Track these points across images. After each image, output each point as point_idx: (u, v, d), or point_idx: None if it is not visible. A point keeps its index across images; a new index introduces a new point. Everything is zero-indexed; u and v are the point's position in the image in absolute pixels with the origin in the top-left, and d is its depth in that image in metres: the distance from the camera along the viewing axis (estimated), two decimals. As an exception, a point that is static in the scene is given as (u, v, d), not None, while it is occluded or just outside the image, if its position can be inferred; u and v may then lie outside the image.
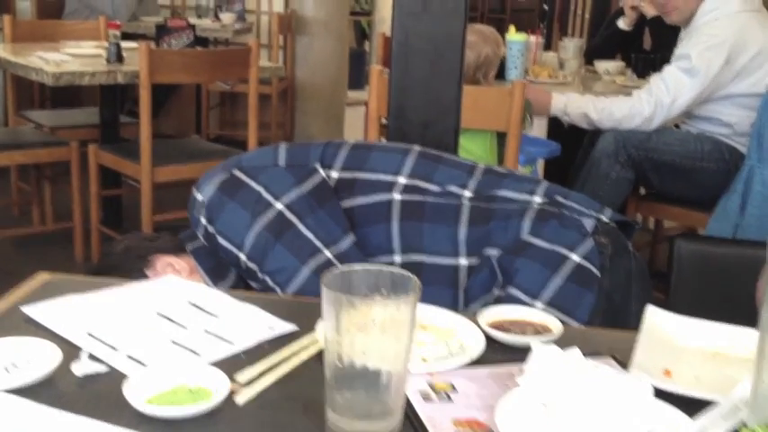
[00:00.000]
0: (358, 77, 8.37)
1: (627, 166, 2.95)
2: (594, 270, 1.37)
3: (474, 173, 1.51)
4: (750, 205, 2.81)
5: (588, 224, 1.42)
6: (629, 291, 1.41)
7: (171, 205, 3.81)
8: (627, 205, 3.13)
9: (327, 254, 1.38)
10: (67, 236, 3.73)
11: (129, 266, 1.50)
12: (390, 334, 0.79)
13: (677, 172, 2.97)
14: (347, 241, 1.41)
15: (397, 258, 1.44)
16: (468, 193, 1.47)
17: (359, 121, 6.28)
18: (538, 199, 1.47)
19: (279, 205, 1.41)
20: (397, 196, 1.46)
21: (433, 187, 1.47)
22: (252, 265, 1.40)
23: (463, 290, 1.43)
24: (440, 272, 1.43)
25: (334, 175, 1.49)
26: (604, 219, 1.47)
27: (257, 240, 1.39)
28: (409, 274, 0.84)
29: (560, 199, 1.47)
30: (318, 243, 1.39)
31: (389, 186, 1.47)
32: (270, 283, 1.39)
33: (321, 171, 1.48)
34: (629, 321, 1.39)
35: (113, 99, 3.89)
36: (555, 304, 1.33)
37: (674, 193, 3.06)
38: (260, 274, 1.40)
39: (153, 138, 3.26)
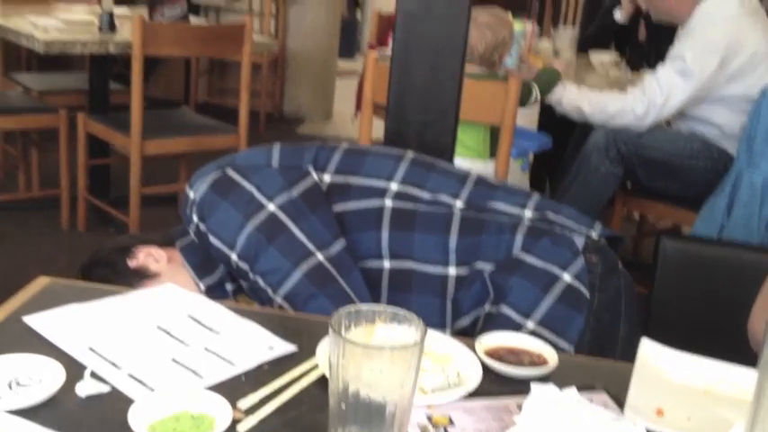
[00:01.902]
0: (349, 47, 8.33)
1: (616, 162, 2.97)
2: (584, 291, 1.39)
3: (466, 182, 1.52)
4: (737, 207, 2.84)
5: (579, 242, 1.44)
6: (618, 309, 1.43)
7: (159, 177, 3.80)
8: (615, 200, 3.16)
9: (320, 257, 1.39)
10: (54, 203, 3.71)
11: (113, 258, 1.52)
12: (397, 370, 0.80)
13: (666, 169, 2.99)
14: (337, 246, 1.42)
15: (387, 264, 1.45)
16: (459, 203, 1.48)
17: (349, 92, 6.25)
18: (529, 213, 1.48)
19: (271, 207, 1.42)
20: (388, 203, 1.46)
21: (425, 195, 1.48)
22: (243, 265, 1.41)
23: (451, 300, 1.44)
24: (429, 280, 1.44)
25: (327, 178, 1.49)
26: (594, 235, 1.49)
27: (249, 240, 1.40)
28: (412, 314, 0.85)
29: (551, 215, 1.48)
30: (311, 246, 1.40)
31: (381, 192, 1.47)
32: (261, 283, 1.40)
33: (314, 174, 1.48)
34: (617, 341, 1.42)
35: (104, 67, 3.85)
36: (546, 324, 1.35)
37: (661, 190, 3.09)
38: (251, 275, 1.41)
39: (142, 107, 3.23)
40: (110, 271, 1.49)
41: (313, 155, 1.51)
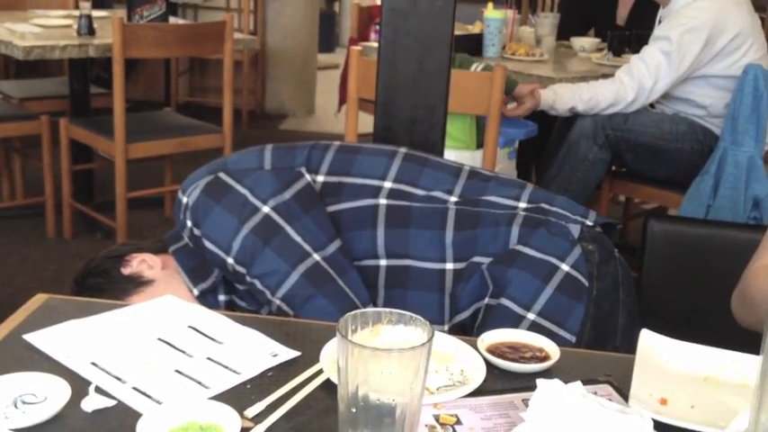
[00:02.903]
0: (328, 40, 8.30)
1: (604, 148, 2.98)
2: (583, 280, 1.39)
3: (459, 176, 1.52)
4: (722, 187, 2.86)
5: (575, 230, 1.44)
6: (617, 297, 1.44)
7: (144, 180, 3.78)
8: (602, 184, 3.17)
9: (316, 257, 1.39)
10: (39, 210, 3.69)
11: (106, 266, 1.50)
12: (406, 372, 0.80)
13: (652, 153, 3.01)
14: (332, 246, 1.42)
15: (383, 262, 1.46)
16: (453, 198, 1.48)
17: (330, 86, 6.24)
18: (523, 205, 1.48)
19: (265, 209, 1.41)
20: (382, 201, 1.46)
21: (419, 192, 1.48)
22: (240, 269, 1.40)
23: (449, 294, 1.45)
24: (426, 276, 1.45)
25: (320, 179, 1.48)
26: (589, 223, 1.49)
27: (245, 243, 1.39)
28: (419, 317, 0.85)
29: (545, 206, 1.49)
30: (307, 247, 1.40)
31: (375, 191, 1.47)
32: (258, 285, 1.40)
33: (306, 175, 1.47)
34: (617, 329, 1.43)
35: (83, 70, 3.82)
36: (546, 315, 1.36)
37: (648, 173, 3.10)
38: (248, 278, 1.40)
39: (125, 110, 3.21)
40: (103, 279, 1.48)
41: (305, 156, 1.50)
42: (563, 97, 2.98)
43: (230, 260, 1.40)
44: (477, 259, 1.43)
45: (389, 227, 1.45)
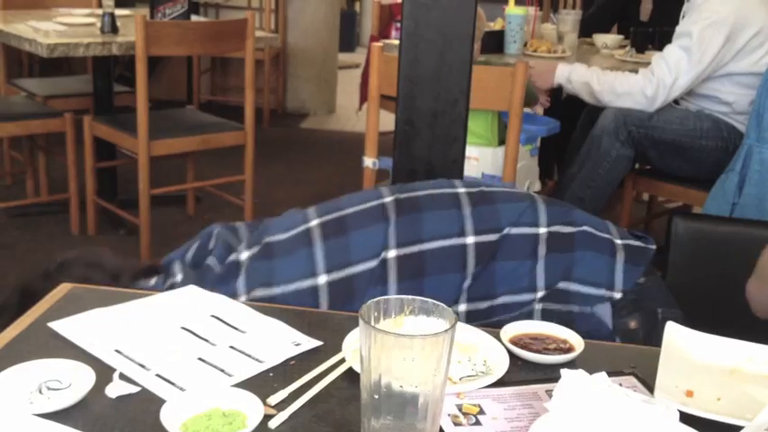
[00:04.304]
0: (349, 40, 8.31)
1: (627, 144, 2.96)
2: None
3: (466, 273, 1.31)
4: (748, 185, 2.83)
5: (605, 315, 1.27)
6: None
7: (167, 177, 3.80)
8: (625, 181, 3.15)
9: None
10: (63, 207, 3.72)
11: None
12: (429, 359, 0.80)
13: (676, 150, 2.98)
14: None
15: None
16: (462, 308, 1.31)
17: (351, 86, 6.25)
18: (540, 294, 1.31)
19: None
20: None
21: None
22: None
23: None
24: None
25: None
26: (617, 296, 1.30)
27: None
28: (443, 305, 0.85)
29: (565, 285, 1.30)
30: None
31: None
32: None
33: None
34: None
35: (107, 68, 3.84)
36: None
37: (672, 171, 3.08)
38: None
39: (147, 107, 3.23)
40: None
41: None
42: (579, 70, 2.97)
43: None
44: None
45: None
